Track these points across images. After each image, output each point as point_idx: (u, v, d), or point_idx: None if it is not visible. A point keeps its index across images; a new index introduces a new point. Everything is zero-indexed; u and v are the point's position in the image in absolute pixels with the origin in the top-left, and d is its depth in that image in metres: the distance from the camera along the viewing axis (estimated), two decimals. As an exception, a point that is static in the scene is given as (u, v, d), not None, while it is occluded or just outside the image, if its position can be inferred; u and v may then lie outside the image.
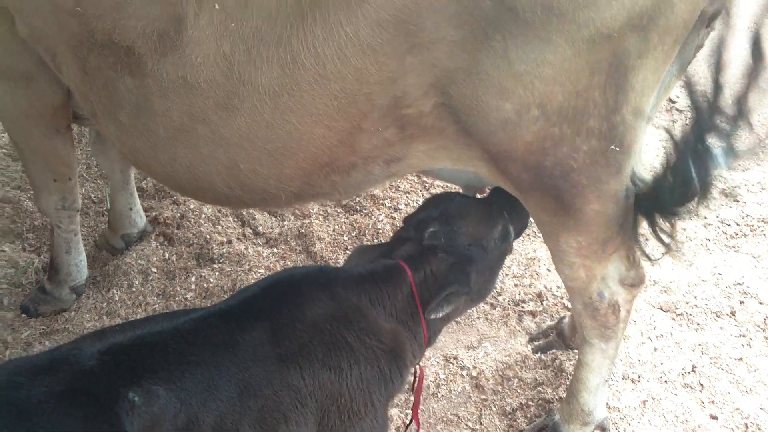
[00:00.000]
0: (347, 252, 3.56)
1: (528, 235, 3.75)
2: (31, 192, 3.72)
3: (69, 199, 3.07)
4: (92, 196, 3.88)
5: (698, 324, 3.28)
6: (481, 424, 2.88)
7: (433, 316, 2.26)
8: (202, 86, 2.09)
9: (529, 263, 3.60)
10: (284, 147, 2.16)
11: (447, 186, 3.57)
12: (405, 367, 2.30)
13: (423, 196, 3.94)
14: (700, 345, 3.17)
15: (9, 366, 1.86)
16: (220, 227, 3.64)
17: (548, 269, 3.57)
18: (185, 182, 2.40)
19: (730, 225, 3.80)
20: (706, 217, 3.81)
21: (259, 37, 1.98)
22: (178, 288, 3.37)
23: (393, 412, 2.88)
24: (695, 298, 3.40)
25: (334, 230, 3.67)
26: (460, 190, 2.69)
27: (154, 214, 3.73)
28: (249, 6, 1.95)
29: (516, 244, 3.66)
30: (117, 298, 3.34)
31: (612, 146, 2.01)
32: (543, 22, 1.81)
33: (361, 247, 2.64)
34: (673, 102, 4.55)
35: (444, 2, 1.83)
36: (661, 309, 3.39)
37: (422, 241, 2.36)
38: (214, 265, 3.48)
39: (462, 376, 3.06)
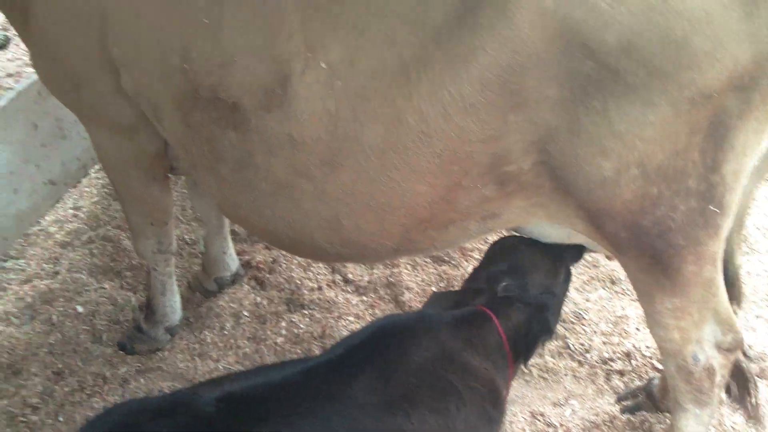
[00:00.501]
0: (437, 303, 3.57)
1: (617, 292, 3.70)
2: (130, 232, 3.87)
3: (165, 242, 3.17)
4: (186, 237, 4.00)
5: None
6: (570, 483, 2.83)
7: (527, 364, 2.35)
8: (306, 142, 2.14)
9: (618, 321, 3.54)
10: (386, 203, 2.19)
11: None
12: (504, 407, 2.33)
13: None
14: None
15: (130, 406, 1.94)
16: (311, 273, 3.70)
17: (637, 328, 3.50)
18: (285, 237, 2.45)
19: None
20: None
21: (364, 95, 2.03)
22: (269, 332, 3.43)
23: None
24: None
25: (422, 280, 3.69)
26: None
27: (246, 258, 3.81)
28: (355, 65, 2.01)
29: (604, 302, 3.63)
30: (209, 340, 3.42)
31: (711, 207, 1.99)
32: (645, 83, 1.83)
33: (437, 293, 2.72)
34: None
35: (547, 63, 1.86)
36: (757, 376, 3.28)
37: (496, 293, 2.42)
38: (305, 311, 3.53)
39: (549, 433, 3.02)
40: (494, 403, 2.26)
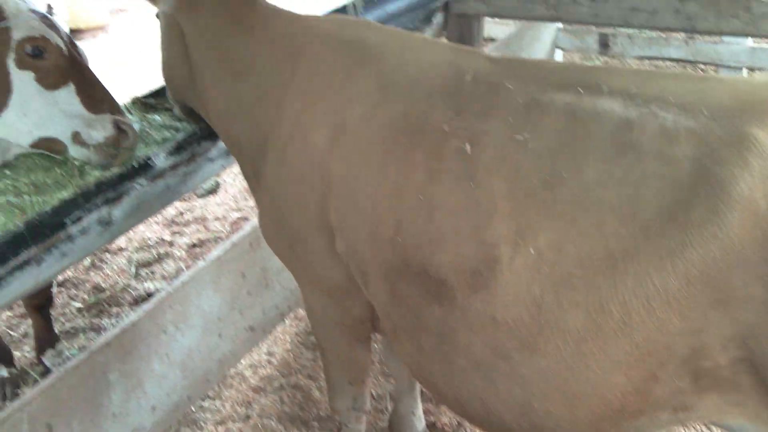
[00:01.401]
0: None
1: None
2: (320, 382, 3.93)
3: (360, 400, 3.20)
4: (373, 392, 4.00)
5: None
6: None
7: None
8: (509, 324, 2.13)
9: None
10: (580, 391, 2.12)
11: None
12: None
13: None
14: None
15: None
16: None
17: None
18: (474, 412, 2.40)
19: None
20: None
21: (569, 283, 2.02)
22: (454, 498, 3.28)
23: None
24: None
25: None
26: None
27: (432, 419, 3.75)
28: (563, 252, 2.01)
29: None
30: (392, 500, 3.32)
31: None
32: None
33: None
34: None
35: (755, 263, 1.81)
36: None
37: None
38: (491, 479, 3.35)
39: None
40: None
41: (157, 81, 3.41)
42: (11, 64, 2.72)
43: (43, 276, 2.72)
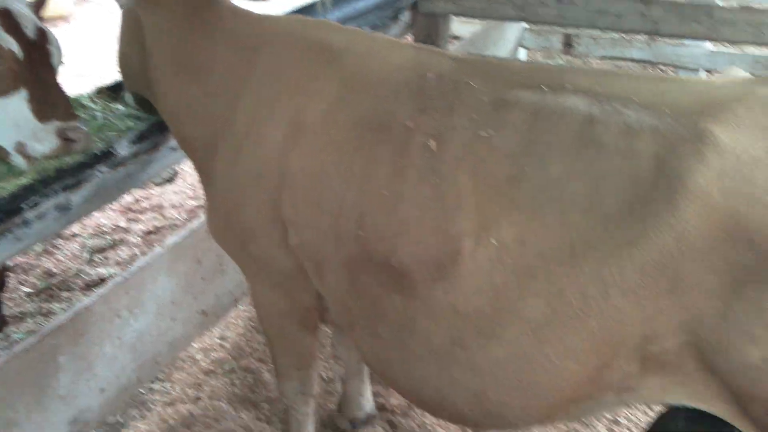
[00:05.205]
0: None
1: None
2: (270, 365, 4.05)
3: (307, 385, 3.30)
4: (323, 374, 4.14)
5: None
6: None
7: None
8: (469, 314, 2.23)
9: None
10: (536, 379, 2.23)
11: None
12: None
13: (644, 411, 3.84)
14: None
15: None
16: (443, 421, 3.71)
17: None
18: (428, 399, 2.51)
19: None
20: None
21: (530, 273, 2.13)
22: (398, 476, 3.45)
23: None
24: None
25: (553, 437, 3.65)
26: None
27: (381, 401, 3.90)
28: (525, 244, 2.13)
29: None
30: (339, 478, 3.47)
31: None
32: None
33: None
34: None
35: (706, 253, 1.94)
36: None
37: None
38: (435, 458, 3.54)
39: None
40: None
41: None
42: None
43: (-6, 260, 2.74)
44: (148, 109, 3.33)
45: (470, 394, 2.35)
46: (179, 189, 6.25)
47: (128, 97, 3.40)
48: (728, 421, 2.22)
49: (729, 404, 2.12)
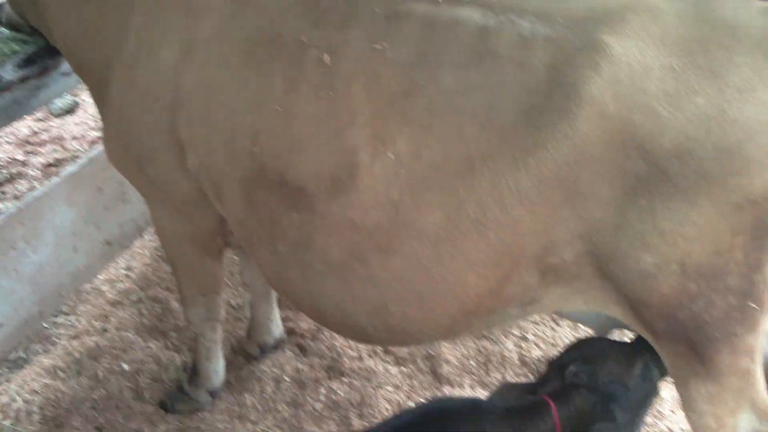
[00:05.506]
0: (473, 376, 3.61)
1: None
2: (179, 294, 3.99)
3: (213, 311, 3.28)
4: (232, 302, 4.10)
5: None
6: None
7: None
8: (367, 228, 2.22)
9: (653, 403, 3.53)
10: (436, 292, 2.25)
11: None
12: None
13: (551, 327, 3.97)
14: None
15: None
16: (352, 342, 3.76)
17: (672, 410, 3.50)
18: (330, 316, 2.51)
19: None
20: None
21: (427, 185, 2.12)
22: (308, 398, 3.48)
23: None
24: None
25: (461, 354, 3.73)
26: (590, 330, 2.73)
27: (290, 325, 3.91)
28: (422, 157, 2.12)
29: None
30: (249, 403, 3.48)
31: (750, 303, 2.01)
32: (693, 185, 1.90)
33: (506, 384, 2.73)
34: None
35: (602, 162, 1.96)
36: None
37: (564, 380, 2.42)
38: (344, 379, 3.58)
39: None
40: None
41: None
42: None
43: None
44: (29, 33, 3.17)
45: (372, 309, 2.37)
46: (80, 120, 5.99)
47: (4, 16, 3.21)
48: (625, 323, 2.29)
49: (625, 309, 2.19)
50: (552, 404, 2.33)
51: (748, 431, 2.28)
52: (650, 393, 2.50)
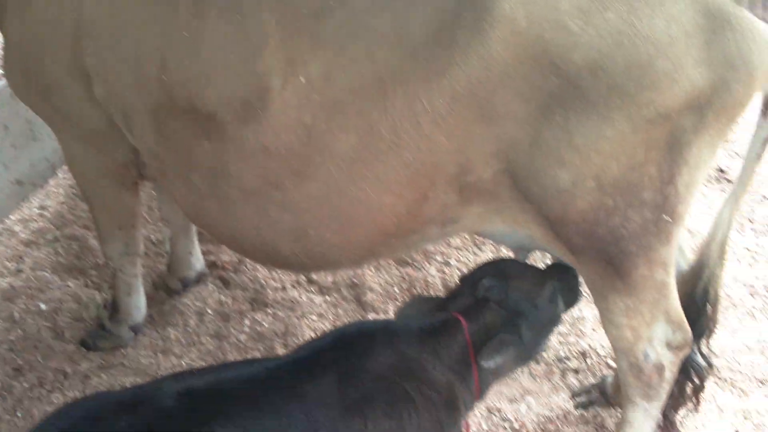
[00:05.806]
0: (397, 303, 3.65)
1: (574, 294, 3.81)
2: (97, 235, 3.90)
3: (132, 245, 3.22)
4: (152, 237, 4.04)
5: (741, 390, 3.29)
6: (523, 477, 2.92)
7: (484, 363, 2.33)
8: (280, 153, 2.21)
9: (575, 322, 3.66)
10: (353, 214, 2.27)
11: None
12: (460, 417, 2.38)
13: (473, 252, 4.05)
14: (743, 411, 3.18)
15: (94, 399, 1.98)
16: (275, 273, 3.76)
17: (593, 329, 3.62)
18: (249, 245, 2.51)
19: (775, 293, 3.83)
20: (752, 285, 3.84)
21: (340, 109, 2.11)
22: (232, 330, 3.48)
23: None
24: (739, 364, 3.42)
25: (385, 281, 3.77)
26: (511, 254, 2.78)
27: (212, 258, 3.87)
28: (333, 80, 2.09)
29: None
30: (172, 337, 3.46)
31: (664, 216, 2.10)
32: (605, 100, 1.94)
33: (417, 297, 2.75)
34: (723, 172, 4.63)
35: (516, 79, 1.97)
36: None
37: (476, 295, 2.46)
38: (268, 310, 3.59)
39: (504, 428, 3.11)
40: (448, 413, 2.31)
41: None
42: None
43: None
44: None
45: (290, 234, 2.37)
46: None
47: None
48: (542, 243, 2.36)
49: (545, 228, 2.24)
50: (463, 321, 2.39)
51: (662, 341, 2.42)
52: (555, 318, 2.58)
